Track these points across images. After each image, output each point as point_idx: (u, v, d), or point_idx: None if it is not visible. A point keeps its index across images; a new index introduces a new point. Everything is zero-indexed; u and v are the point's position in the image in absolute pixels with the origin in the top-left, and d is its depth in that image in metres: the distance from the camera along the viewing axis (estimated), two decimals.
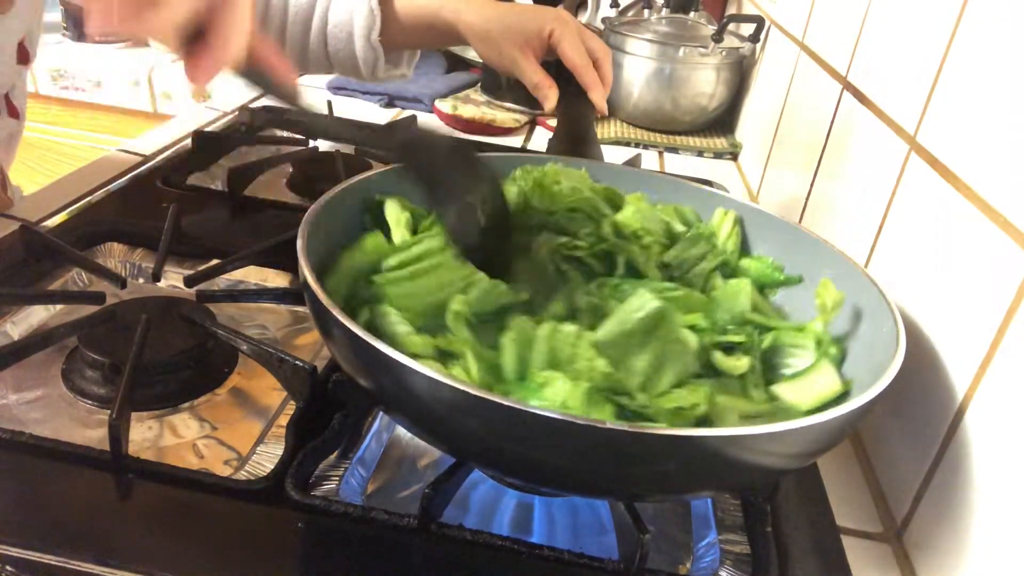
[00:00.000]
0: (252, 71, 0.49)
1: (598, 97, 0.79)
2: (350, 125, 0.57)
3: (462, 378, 0.45)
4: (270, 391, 0.60)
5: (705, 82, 1.27)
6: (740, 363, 0.51)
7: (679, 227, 0.66)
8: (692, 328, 0.51)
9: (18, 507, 0.45)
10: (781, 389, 0.51)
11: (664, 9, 1.34)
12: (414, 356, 0.40)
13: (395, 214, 0.58)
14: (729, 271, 0.63)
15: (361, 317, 0.49)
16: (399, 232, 0.57)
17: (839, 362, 0.52)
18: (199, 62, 0.44)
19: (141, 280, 0.72)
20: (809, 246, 0.60)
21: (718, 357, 0.51)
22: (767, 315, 0.57)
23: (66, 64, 1.75)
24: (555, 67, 0.81)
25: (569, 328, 0.47)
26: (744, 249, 0.65)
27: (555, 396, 0.43)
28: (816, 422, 0.39)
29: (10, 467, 0.48)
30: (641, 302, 0.48)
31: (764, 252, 0.64)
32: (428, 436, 0.45)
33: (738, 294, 0.57)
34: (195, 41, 0.44)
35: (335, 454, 0.53)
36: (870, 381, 0.43)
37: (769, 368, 0.53)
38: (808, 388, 0.50)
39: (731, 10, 1.54)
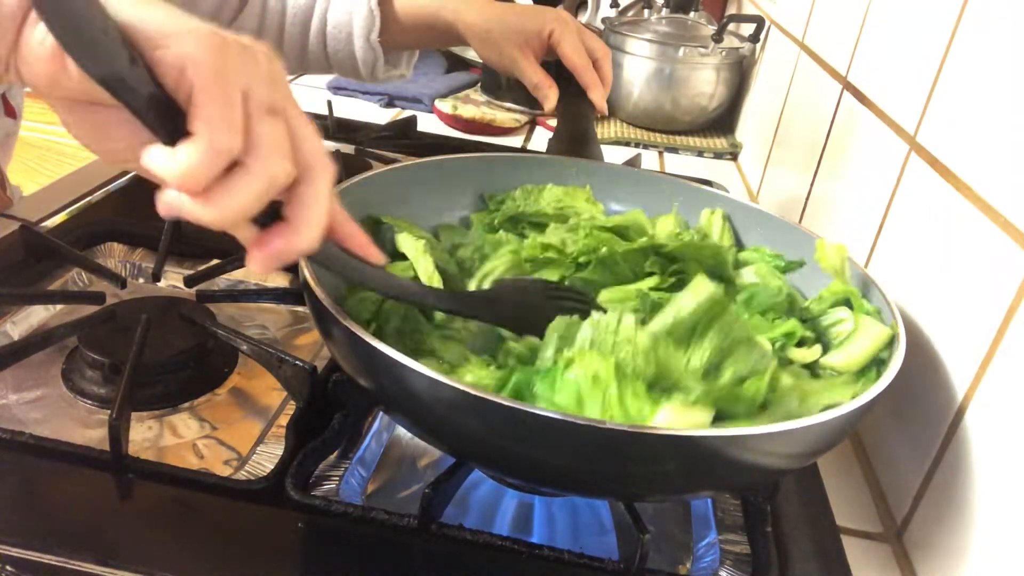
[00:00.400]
0: (327, 250, 0.42)
1: (598, 97, 0.79)
2: (434, 294, 0.51)
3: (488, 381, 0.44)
4: (270, 391, 0.60)
5: (705, 82, 1.27)
6: (812, 351, 0.52)
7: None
8: (783, 337, 0.52)
9: (18, 507, 0.45)
10: (832, 358, 0.51)
11: (664, 9, 1.34)
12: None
13: (411, 246, 0.57)
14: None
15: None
16: (423, 264, 0.56)
17: (877, 313, 0.53)
18: (269, 247, 0.37)
19: (141, 280, 0.72)
20: (810, 247, 0.60)
21: (792, 351, 0.52)
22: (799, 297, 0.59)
23: None
24: (555, 67, 0.81)
25: (610, 316, 0.46)
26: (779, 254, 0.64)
27: (587, 369, 0.41)
28: (816, 422, 0.39)
29: (10, 467, 0.48)
30: (698, 290, 0.47)
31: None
32: (428, 436, 0.45)
33: (777, 286, 0.58)
34: (267, 224, 0.38)
35: (335, 454, 0.53)
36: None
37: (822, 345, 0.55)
38: (854, 349, 0.51)
39: (731, 10, 1.54)
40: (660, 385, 0.44)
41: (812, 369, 0.52)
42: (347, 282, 0.49)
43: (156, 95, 0.33)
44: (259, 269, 0.38)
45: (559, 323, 0.46)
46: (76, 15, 0.31)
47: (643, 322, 0.47)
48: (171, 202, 0.34)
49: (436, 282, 0.54)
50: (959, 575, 0.47)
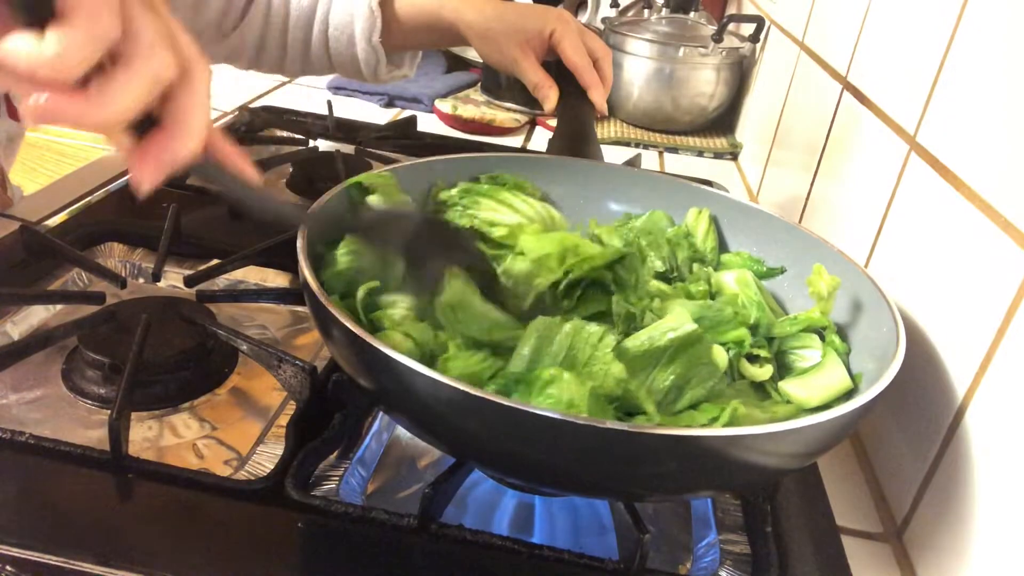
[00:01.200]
0: (206, 163, 0.40)
1: (598, 97, 0.79)
2: (305, 213, 0.51)
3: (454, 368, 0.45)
4: (270, 391, 0.60)
5: (705, 82, 1.27)
6: (764, 371, 0.52)
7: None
8: (733, 344, 0.52)
9: (18, 507, 0.45)
10: (791, 386, 0.51)
11: (664, 9, 1.34)
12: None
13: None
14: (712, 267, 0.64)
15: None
16: None
17: (846, 355, 0.53)
18: (149, 156, 0.35)
19: (141, 280, 0.72)
20: (809, 246, 0.60)
21: (744, 365, 0.52)
22: (775, 310, 0.58)
23: None
24: (555, 67, 0.81)
25: (594, 328, 0.47)
26: (759, 260, 0.65)
27: (561, 394, 0.42)
28: (816, 422, 0.39)
29: (10, 467, 0.48)
30: (678, 322, 0.49)
31: (767, 254, 0.64)
32: (428, 436, 0.45)
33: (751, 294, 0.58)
34: (145, 131, 0.35)
35: (335, 454, 0.53)
36: (870, 381, 0.43)
37: (780, 365, 0.55)
38: (816, 385, 0.50)
39: (731, 10, 1.54)
40: (622, 406, 0.45)
41: (763, 388, 0.52)
42: (227, 199, 0.49)
43: None
44: (145, 183, 0.35)
45: (540, 323, 0.47)
46: None
47: (621, 333, 0.49)
48: (40, 105, 0.31)
49: None
50: (959, 575, 0.47)
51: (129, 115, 0.33)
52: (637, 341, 0.48)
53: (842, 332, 0.55)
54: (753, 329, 0.54)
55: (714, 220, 0.66)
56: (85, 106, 0.32)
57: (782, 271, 0.62)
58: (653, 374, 0.47)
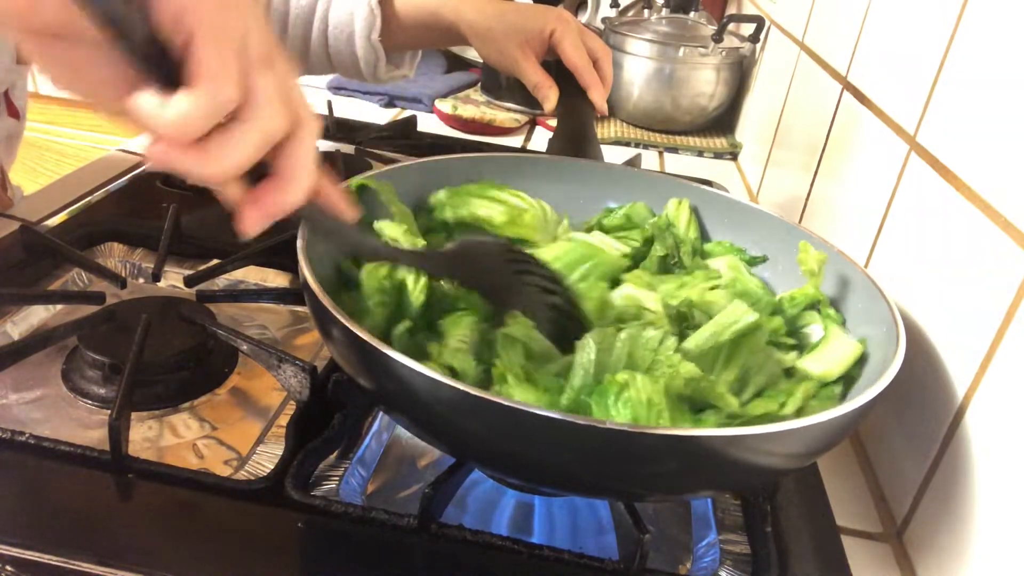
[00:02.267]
0: (310, 208, 0.42)
1: (598, 97, 0.79)
2: (403, 253, 0.51)
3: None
4: (270, 391, 0.60)
5: (705, 82, 1.27)
6: (791, 356, 0.53)
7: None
8: (772, 332, 0.53)
9: (18, 507, 0.45)
10: (808, 363, 0.52)
11: (664, 9, 1.34)
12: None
13: (393, 231, 0.58)
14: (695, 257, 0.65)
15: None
16: (407, 243, 0.56)
17: (842, 324, 0.54)
18: (258, 204, 0.37)
19: (141, 280, 0.72)
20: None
21: (775, 353, 0.52)
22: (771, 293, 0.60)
23: None
24: (555, 67, 0.81)
25: (652, 333, 0.47)
26: (741, 249, 0.65)
27: (639, 395, 0.42)
28: (816, 422, 0.39)
29: (10, 467, 0.48)
30: (738, 314, 0.49)
31: (764, 252, 0.64)
32: (428, 436, 0.45)
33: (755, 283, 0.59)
34: (255, 180, 0.37)
35: (335, 454, 0.53)
36: (870, 381, 0.43)
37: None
38: (830, 358, 0.51)
39: (731, 10, 1.54)
40: (692, 405, 0.45)
41: (788, 372, 0.53)
42: (325, 239, 0.50)
43: (151, 38, 0.31)
44: (250, 229, 0.37)
45: (596, 335, 0.46)
46: None
47: (677, 336, 0.50)
48: (159, 154, 0.33)
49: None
50: (959, 575, 0.47)
51: (241, 169, 0.35)
52: (700, 339, 0.49)
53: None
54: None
55: (695, 210, 0.67)
56: (201, 159, 0.33)
57: (764, 259, 0.63)
58: (717, 369, 0.48)
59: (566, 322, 0.52)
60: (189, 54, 0.32)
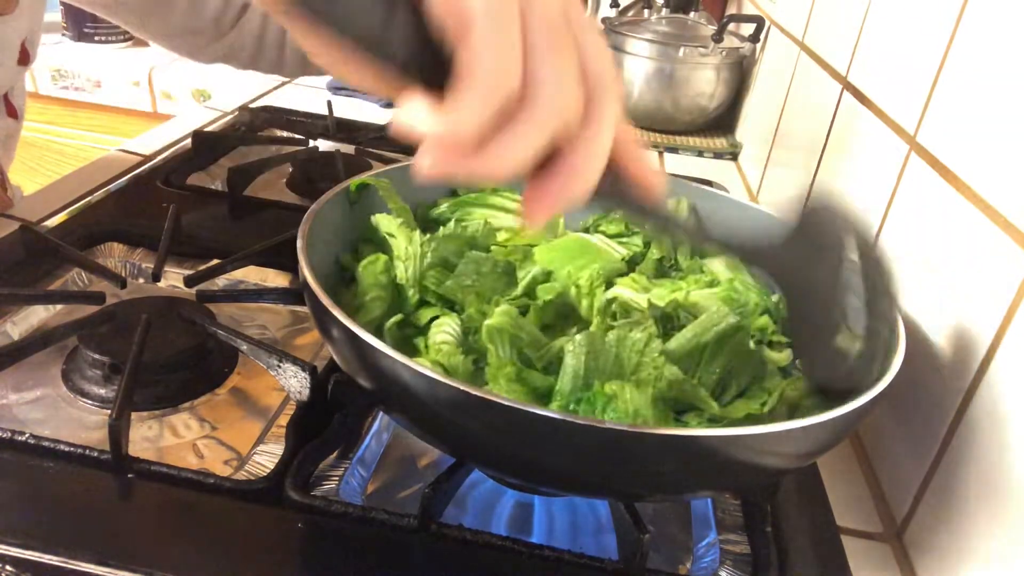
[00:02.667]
0: (608, 192, 0.35)
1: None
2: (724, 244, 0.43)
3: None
4: (270, 391, 0.60)
5: (705, 82, 1.27)
6: (783, 355, 0.53)
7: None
8: (756, 331, 0.53)
9: (18, 507, 0.45)
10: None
11: (664, 9, 1.34)
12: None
13: (388, 224, 0.58)
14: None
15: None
16: (403, 236, 0.56)
17: None
18: (543, 195, 0.32)
19: (141, 280, 0.72)
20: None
21: (766, 352, 0.52)
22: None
23: (66, 64, 1.75)
24: None
25: (637, 335, 0.47)
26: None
27: (627, 407, 0.42)
28: (816, 422, 0.39)
29: (10, 467, 0.48)
30: (720, 316, 0.49)
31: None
32: (428, 436, 0.45)
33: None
34: (540, 168, 0.32)
35: (335, 454, 0.53)
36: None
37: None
38: None
39: (731, 10, 1.54)
40: (675, 406, 0.46)
41: (785, 371, 0.53)
42: (626, 216, 0.44)
43: (416, 49, 0.28)
44: (535, 224, 0.32)
45: (583, 338, 0.46)
46: None
47: (660, 336, 0.49)
48: (435, 162, 0.29)
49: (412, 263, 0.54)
50: (959, 575, 0.47)
51: (524, 167, 0.30)
52: (683, 340, 0.49)
53: None
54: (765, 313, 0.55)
55: (693, 209, 0.66)
56: (481, 163, 0.29)
57: None
58: (699, 370, 0.48)
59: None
60: (464, 45, 0.28)
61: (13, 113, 0.88)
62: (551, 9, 0.29)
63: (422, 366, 0.38)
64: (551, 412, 0.37)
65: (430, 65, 0.29)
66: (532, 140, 0.29)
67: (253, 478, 0.50)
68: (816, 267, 0.41)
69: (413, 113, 0.29)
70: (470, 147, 0.29)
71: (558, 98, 0.29)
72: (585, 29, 0.31)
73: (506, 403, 0.37)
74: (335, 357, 0.47)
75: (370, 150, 1.01)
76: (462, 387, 0.37)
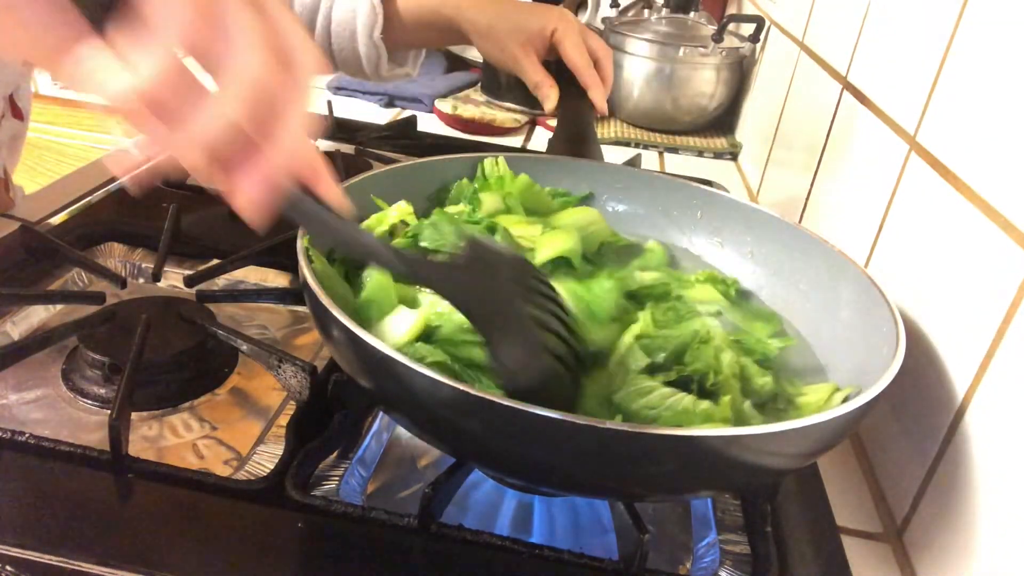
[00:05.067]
0: (297, 196, 0.35)
1: (598, 96, 0.79)
2: (399, 257, 0.42)
3: None
4: (270, 391, 0.60)
5: (705, 82, 1.27)
6: (767, 379, 0.51)
7: None
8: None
9: (18, 507, 0.45)
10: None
11: (664, 9, 1.34)
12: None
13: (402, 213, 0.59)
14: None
15: None
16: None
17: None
18: (237, 174, 0.30)
19: (141, 280, 0.72)
20: (810, 247, 0.60)
21: (754, 377, 0.51)
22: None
23: None
24: (555, 66, 0.81)
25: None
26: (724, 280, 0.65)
27: None
28: (816, 422, 0.39)
29: (10, 467, 0.48)
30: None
31: (767, 254, 0.64)
32: (428, 436, 0.45)
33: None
34: (232, 158, 0.30)
35: (335, 454, 0.53)
36: (870, 381, 0.43)
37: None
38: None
39: (731, 10, 1.54)
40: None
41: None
42: (312, 229, 0.41)
43: None
44: (245, 209, 0.30)
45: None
46: None
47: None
48: (124, 153, 0.27)
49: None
50: (959, 575, 0.47)
51: (226, 139, 0.28)
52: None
53: (843, 332, 0.54)
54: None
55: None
56: (174, 132, 0.27)
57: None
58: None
59: (561, 371, 0.45)
60: None
61: (18, 115, 0.88)
62: None
63: (422, 366, 0.38)
64: (551, 412, 0.37)
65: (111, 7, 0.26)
66: (226, 98, 0.27)
67: (253, 478, 0.50)
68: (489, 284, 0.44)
69: (95, 66, 0.25)
70: (161, 108, 0.26)
71: (249, 57, 0.27)
72: (276, 6, 0.30)
73: (506, 403, 0.37)
74: (335, 357, 0.47)
75: (370, 150, 1.01)
76: (462, 387, 0.37)
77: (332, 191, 0.37)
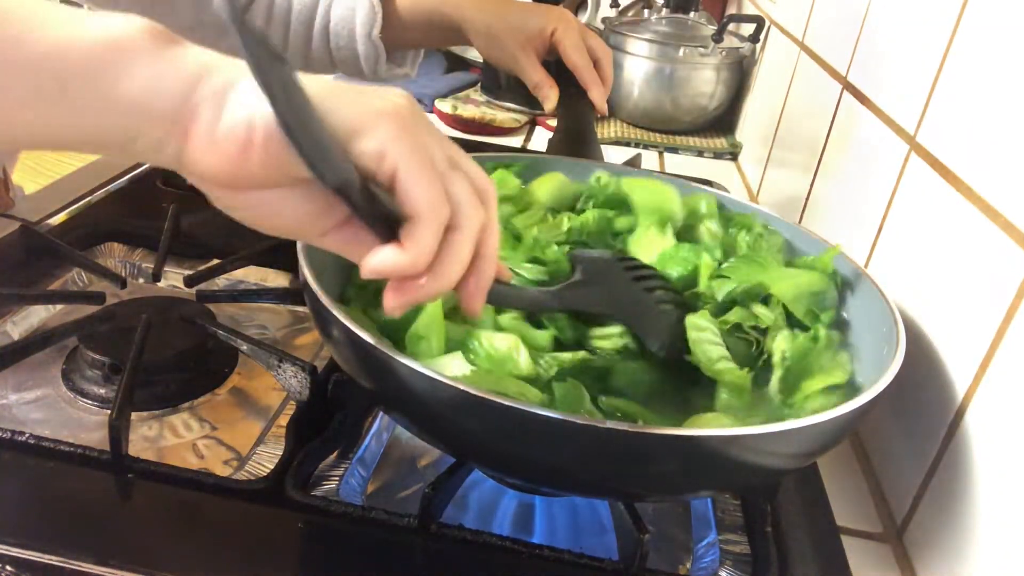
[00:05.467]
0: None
1: (598, 96, 0.79)
2: (546, 296, 0.50)
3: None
4: (270, 391, 0.60)
5: (705, 82, 1.27)
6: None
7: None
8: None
9: (18, 507, 0.45)
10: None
11: (664, 9, 1.34)
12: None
13: None
14: None
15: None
16: None
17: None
18: (475, 287, 0.38)
19: (141, 280, 0.72)
20: (808, 246, 0.60)
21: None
22: None
23: None
24: (555, 66, 0.81)
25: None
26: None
27: None
28: (816, 422, 0.39)
29: (10, 467, 0.48)
30: None
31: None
32: (428, 436, 0.45)
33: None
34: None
35: (335, 454, 0.53)
36: (870, 381, 0.43)
37: None
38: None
39: (731, 10, 1.54)
40: None
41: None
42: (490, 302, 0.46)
43: (372, 195, 0.33)
44: (475, 314, 0.39)
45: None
46: (314, 127, 0.31)
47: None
48: (399, 299, 0.36)
49: None
50: (959, 575, 0.47)
51: (463, 274, 0.37)
52: None
53: (842, 332, 0.54)
54: None
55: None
56: (435, 281, 0.35)
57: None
58: None
59: (678, 316, 0.52)
60: (402, 192, 0.34)
61: None
62: (444, 148, 0.37)
63: (422, 365, 0.38)
64: (551, 412, 0.37)
65: (382, 213, 0.34)
66: (465, 249, 0.36)
67: (253, 478, 0.50)
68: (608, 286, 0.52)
69: (383, 259, 0.34)
70: (425, 272, 0.35)
71: (472, 210, 0.36)
72: (463, 157, 0.38)
73: (506, 403, 0.37)
74: (335, 357, 0.47)
75: None
76: (462, 387, 0.37)
77: (503, 272, 0.45)
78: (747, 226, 0.63)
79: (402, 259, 0.34)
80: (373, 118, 0.33)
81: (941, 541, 0.49)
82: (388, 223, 0.34)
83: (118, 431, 0.48)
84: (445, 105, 1.24)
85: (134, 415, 0.55)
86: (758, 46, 1.28)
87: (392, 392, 0.43)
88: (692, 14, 1.33)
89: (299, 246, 0.48)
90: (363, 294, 0.52)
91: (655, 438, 0.37)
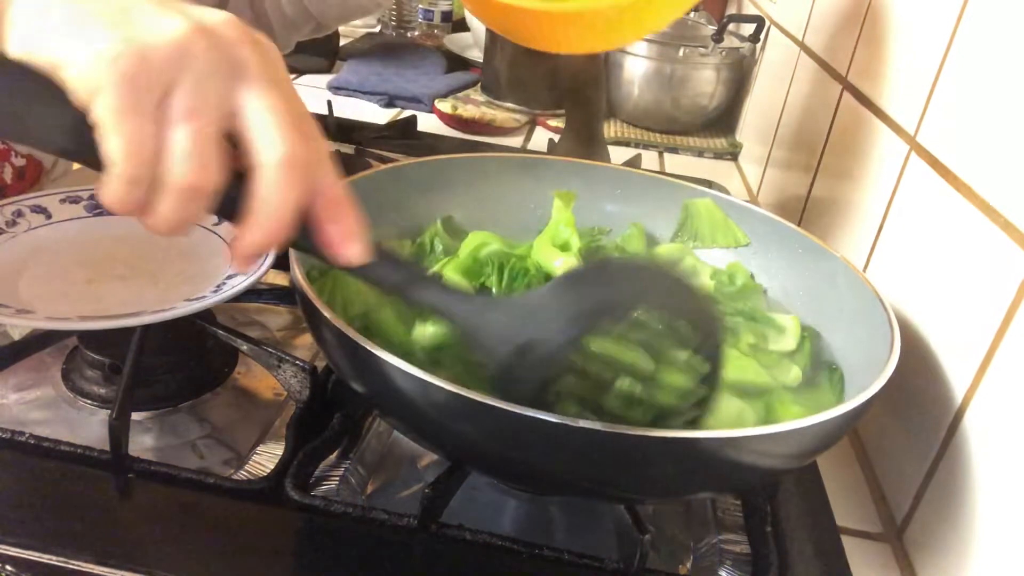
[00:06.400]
0: (307, 245, 0.38)
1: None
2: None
3: None
4: (270, 391, 0.60)
5: (705, 82, 1.27)
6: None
7: None
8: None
9: (18, 507, 0.45)
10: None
11: None
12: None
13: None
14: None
15: None
16: None
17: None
18: (237, 245, 0.36)
19: None
20: (808, 248, 0.60)
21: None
22: None
23: None
24: (561, 70, 0.81)
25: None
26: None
27: None
28: (813, 422, 0.39)
29: (10, 467, 0.48)
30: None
31: (766, 255, 0.64)
32: (423, 440, 0.45)
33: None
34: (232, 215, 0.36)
35: (335, 454, 0.53)
36: (867, 381, 0.43)
37: None
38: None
39: (731, 10, 1.54)
40: None
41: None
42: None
43: (75, 139, 0.33)
44: (239, 267, 0.38)
45: None
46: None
47: None
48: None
49: None
50: (959, 575, 0.47)
51: (182, 225, 0.35)
52: None
53: (837, 333, 0.55)
54: None
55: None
56: (151, 220, 0.35)
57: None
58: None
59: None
60: (99, 134, 0.32)
61: None
62: (195, 91, 0.33)
63: (414, 368, 0.38)
64: (546, 415, 0.36)
65: (90, 148, 0.33)
66: (170, 205, 0.34)
67: (253, 478, 0.50)
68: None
69: (101, 187, 0.34)
70: (138, 207, 0.34)
71: (185, 168, 0.33)
72: (259, 95, 0.35)
73: (501, 406, 0.37)
74: (327, 359, 0.47)
75: (370, 150, 1.01)
76: (455, 389, 0.37)
77: (341, 243, 0.39)
78: (731, 275, 0.62)
79: (102, 191, 0.33)
80: (83, 51, 0.32)
81: (941, 541, 0.49)
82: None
83: (118, 431, 0.48)
84: (445, 105, 1.24)
85: (134, 415, 0.55)
86: (758, 46, 1.28)
87: (384, 395, 0.42)
88: (692, 14, 1.33)
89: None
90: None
91: (652, 441, 0.37)
